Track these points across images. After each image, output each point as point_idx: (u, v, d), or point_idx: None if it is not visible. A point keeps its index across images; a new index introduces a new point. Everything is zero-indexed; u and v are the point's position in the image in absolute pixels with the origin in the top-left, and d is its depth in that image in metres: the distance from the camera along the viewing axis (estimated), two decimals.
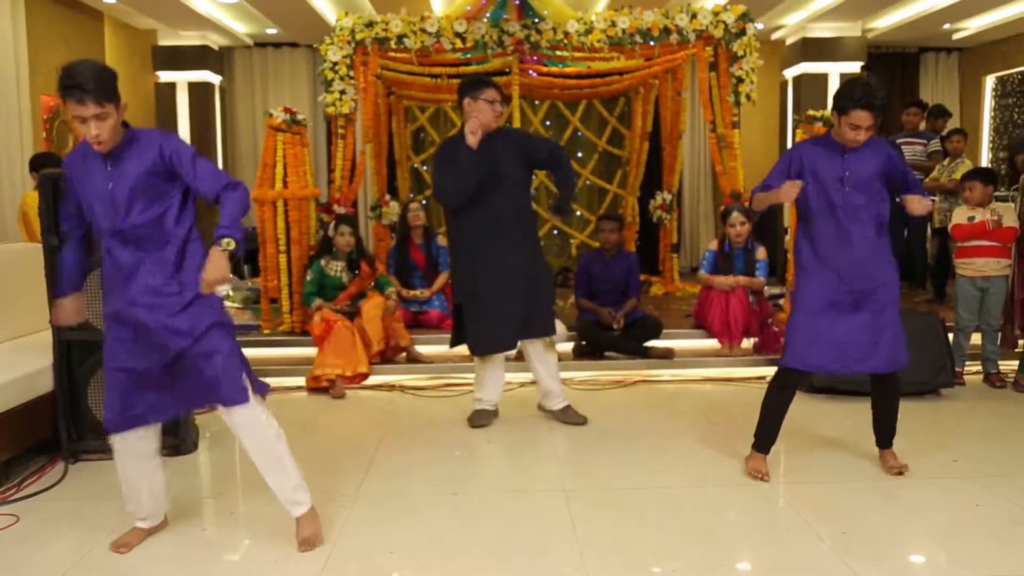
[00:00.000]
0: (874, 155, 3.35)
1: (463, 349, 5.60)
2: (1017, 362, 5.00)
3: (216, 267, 2.57)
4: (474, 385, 4.41)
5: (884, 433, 3.58)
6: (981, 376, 5.11)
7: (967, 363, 5.13)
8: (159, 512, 2.96)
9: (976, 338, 5.11)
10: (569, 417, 4.28)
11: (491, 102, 3.95)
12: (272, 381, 5.19)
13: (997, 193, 5.24)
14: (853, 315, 3.36)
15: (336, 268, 5.41)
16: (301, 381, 5.12)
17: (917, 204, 3.34)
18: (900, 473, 3.47)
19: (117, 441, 2.80)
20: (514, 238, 4.03)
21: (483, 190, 3.95)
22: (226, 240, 2.58)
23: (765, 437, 3.53)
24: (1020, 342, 5.05)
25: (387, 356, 5.36)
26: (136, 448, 2.81)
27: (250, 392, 2.75)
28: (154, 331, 2.66)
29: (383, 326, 5.25)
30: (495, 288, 4.01)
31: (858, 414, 4.25)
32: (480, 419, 4.29)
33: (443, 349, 5.68)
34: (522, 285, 4.04)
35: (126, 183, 2.62)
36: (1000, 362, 5.11)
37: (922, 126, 7.47)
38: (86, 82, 2.46)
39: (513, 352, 5.38)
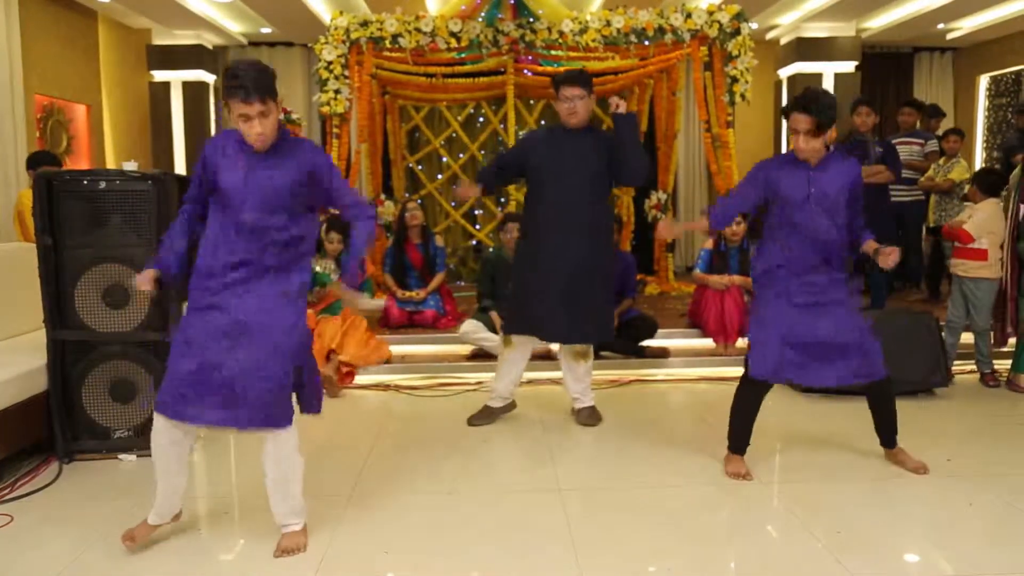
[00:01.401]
0: (842, 175, 3.31)
1: (456, 349, 5.66)
2: (1010, 361, 5.02)
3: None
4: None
5: (885, 433, 3.58)
6: (976, 376, 5.13)
7: (957, 362, 5.16)
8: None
9: (968, 337, 5.13)
10: (580, 417, 4.27)
11: (563, 100, 3.95)
12: None
13: None
14: (813, 326, 3.33)
15: (324, 266, 5.42)
16: None
17: (888, 259, 3.34)
18: (920, 472, 3.45)
19: None
20: (573, 234, 3.96)
21: (554, 179, 3.97)
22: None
23: (738, 439, 3.55)
24: (1011, 340, 5.07)
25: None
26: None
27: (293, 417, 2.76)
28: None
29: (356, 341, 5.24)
30: (543, 276, 4.01)
31: (852, 414, 4.26)
32: (479, 417, 4.29)
33: (438, 349, 5.71)
34: (566, 282, 3.97)
35: (270, 183, 2.70)
36: (994, 361, 5.13)
37: (917, 125, 7.49)
38: (251, 81, 2.58)
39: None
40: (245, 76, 2.58)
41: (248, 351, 2.64)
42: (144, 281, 2.77)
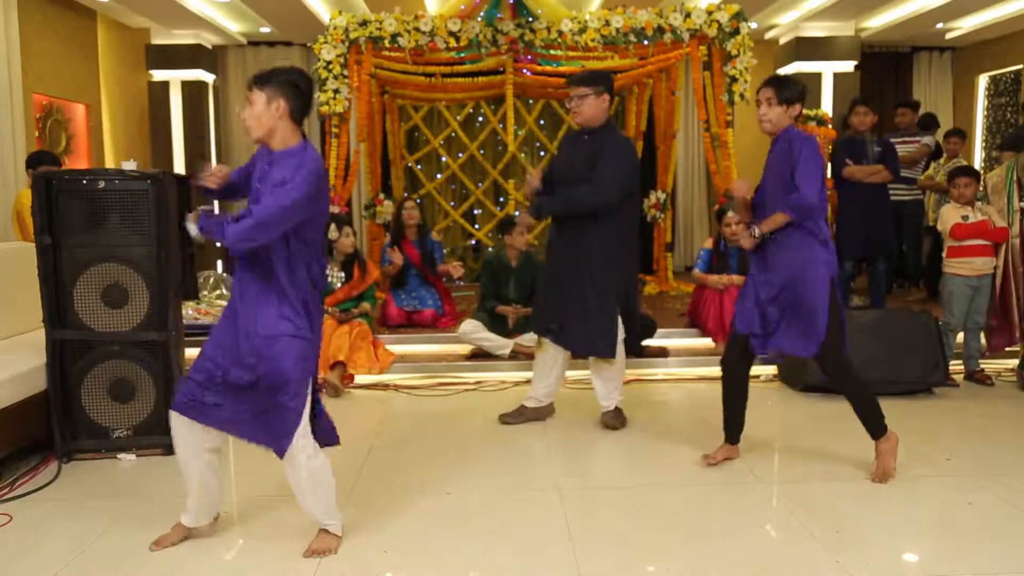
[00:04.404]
0: (785, 152, 3.38)
1: (456, 348, 5.66)
2: (1006, 361, 5.03)
3: None
4: None
5: (864, 425, 3.55)
6: (963, 375, 5.13)
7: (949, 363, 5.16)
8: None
9: (958, 337, 5.14)
10: (604, 419, 4.24)
11: (580, 97, 3.93)
12: None
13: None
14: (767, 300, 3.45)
15: (329, 274, 5.41)
16: None
17: (745, 235, 3.45)
18: (876, 481, 3.40)
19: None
20: (574, 237, 3.95)
21: (564, 182, 4.00)
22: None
23: (728, 425, 3.66)
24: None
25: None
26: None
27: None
28: None
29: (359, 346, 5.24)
30: (550, 276, 4.10)
31: (851, 414, 4.26)
32: (512, 416, 4.30)
33: (437, 349, 5.71)
34: (565, 286, 3.98)
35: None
36: (988, 361, 5.14)
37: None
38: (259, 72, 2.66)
39: (506, 350, 5.40)
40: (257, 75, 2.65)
41: None
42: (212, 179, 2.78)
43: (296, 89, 2.63)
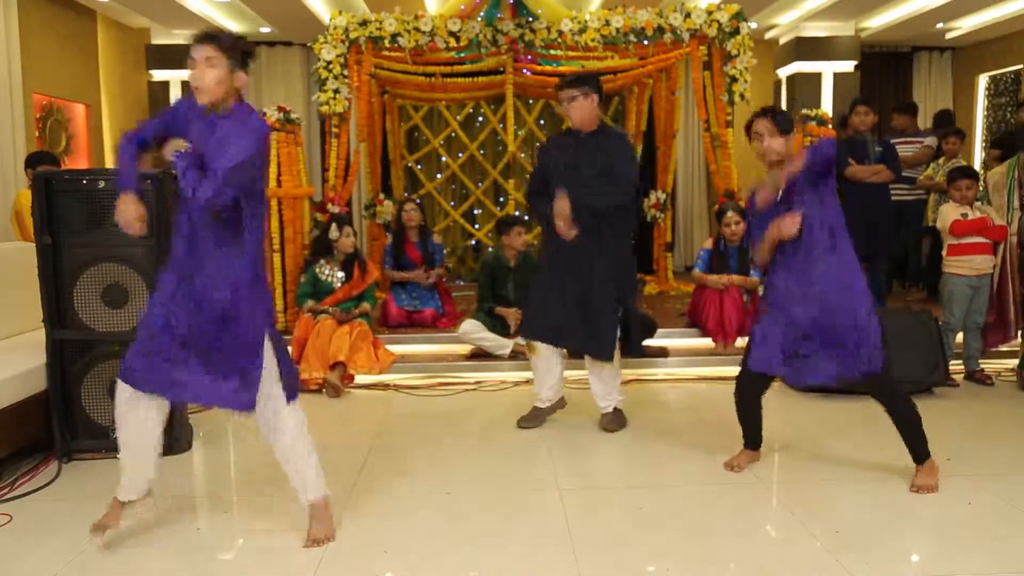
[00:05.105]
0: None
1: (456, 348, 5.66)
2: (1005, 361, 5.03)
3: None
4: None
5: (908, 447, 3.37)
6: (963, 375, 5.12)
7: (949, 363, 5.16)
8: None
9: (957, 336, 5.14)
10: (604, 422, 4.23)
11: (568, 100, 3.91)
12: None
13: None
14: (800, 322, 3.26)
15: (329, 274, 5.41)
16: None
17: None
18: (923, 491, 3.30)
19: None
20: (583, 240, 3.88)
21: (563, 184, 3.87)
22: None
23: (746, 434, 3.61)
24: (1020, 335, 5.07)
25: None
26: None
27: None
28: None
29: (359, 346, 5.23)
30: (556, 279, 4.00)
31: (851, 413, 4.27)
32: (528, 420, 4.26)
33: (437, 349, 5.71)
34: (576, 287, 3.95)
35: None
36: (988, 361, 5.14)
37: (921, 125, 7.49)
38: (209, 31, 2.65)
39: (506, 350, 5.41)
40: (203, 31, 2.64)
41: None
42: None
43: (247, 62, 2.67)
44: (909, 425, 3.33)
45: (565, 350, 4.23)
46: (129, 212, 2.65)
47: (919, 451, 3.33)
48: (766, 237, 3.29)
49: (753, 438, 3.60)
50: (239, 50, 2.64)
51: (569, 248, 3.91)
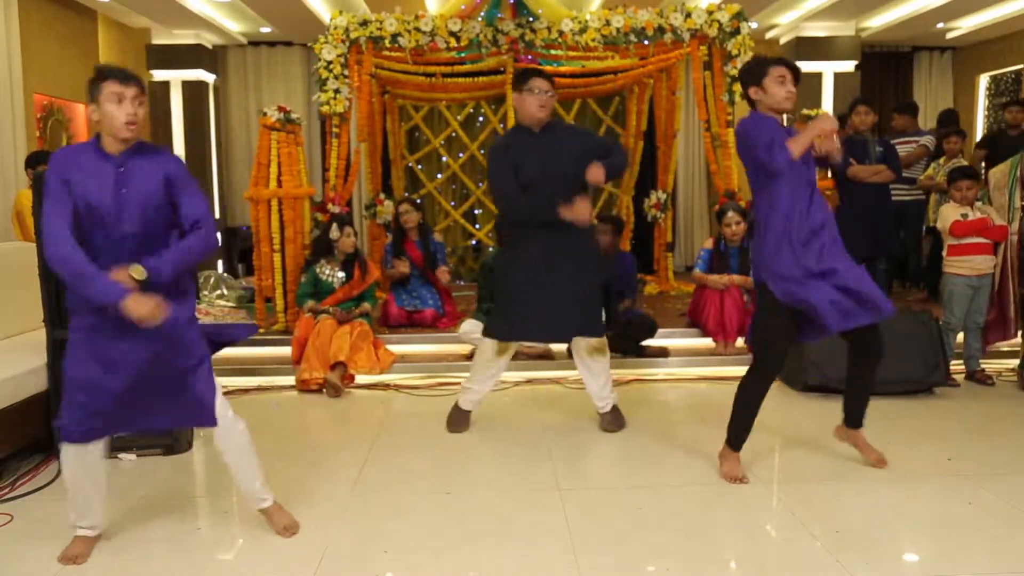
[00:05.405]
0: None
1: (456, 348, 5.66)
2: (1005, 361, 5.03)
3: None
4: (469, 374, 4.27)
5: (861, 412, 3.60)
6: (963, 375, 5.11)
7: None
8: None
9: (958, 336, 5.13)
10: (603, 423, 4.21)
11: (535, 92, 3.86)
12: (266, 380, 5.27)
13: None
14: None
15: (329, 274, 5.41)
16: (295, 380, 5.12)
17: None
18: (880, 466, 3.53)
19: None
20: (562, 233, 3.88)
21: (537, 181, 3.86)
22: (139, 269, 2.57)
23: (740, 434, 3.50)
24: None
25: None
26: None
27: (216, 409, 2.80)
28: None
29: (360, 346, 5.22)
30: (536, 276, 3.93)
31: None
32: (460, 423, 4.22)
33: (437, 349, 5.71)
34: (562, 284, 3.93)
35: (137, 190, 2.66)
36: (989, 361, 5.14)
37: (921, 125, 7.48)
38: (127, 72, 2.65)
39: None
40: (119, 68, 2.66)
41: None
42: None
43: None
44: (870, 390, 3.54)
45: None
46: (145, 309, 2.53)
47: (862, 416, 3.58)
48: (805, 133, 3.25)
49: (743, 439, 3.54)
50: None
51: (545, 240, 3.88)
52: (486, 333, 4.17)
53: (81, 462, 2.71)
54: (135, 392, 2.67)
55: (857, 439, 3.62)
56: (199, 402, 2.75)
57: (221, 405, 2.80)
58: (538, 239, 3.90)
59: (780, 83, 3.27)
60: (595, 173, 3.77)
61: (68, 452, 2.69)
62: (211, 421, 2.78)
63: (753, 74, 3.33)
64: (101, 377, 2.63)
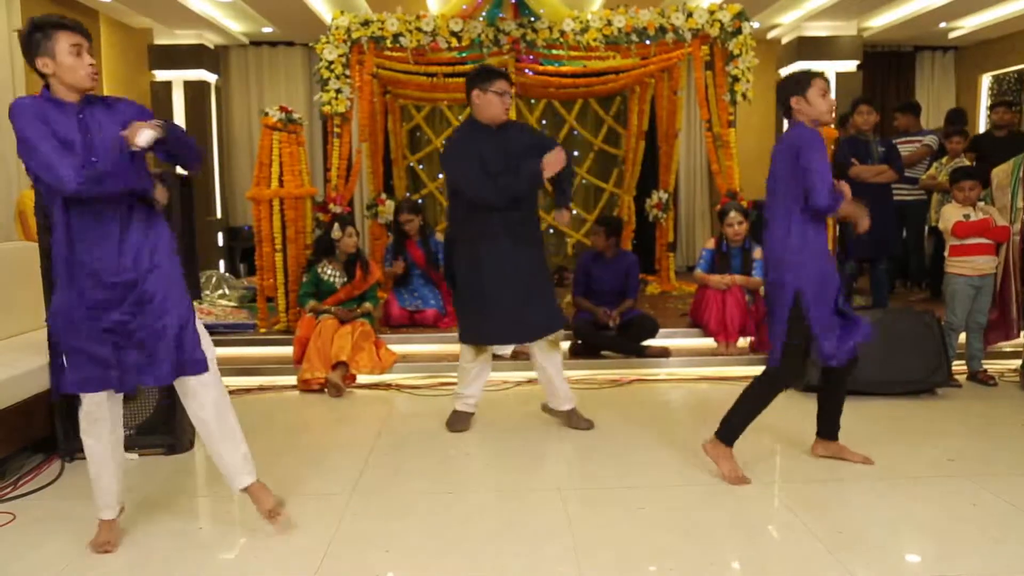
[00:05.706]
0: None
1: (457, 348, 5.64)
2: (1006, 361, 5.02)
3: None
4: (458, 381, 4.29)
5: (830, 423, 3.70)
6: (965, 375, 5.11)
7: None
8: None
9: (960, 337, 5.13)
10: (573, 422, 4.21)
11: (500, 94, 3.88)
12: (268, 380, 5.27)
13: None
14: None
15: (331, 274, 5.42)
16: (296, 380, 5.12)
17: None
18: (867, 463, 3.58)
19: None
20: (520, 232, 3.94)
21: (502, 174, 3.86)
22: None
23: (737, 431, 3.51)
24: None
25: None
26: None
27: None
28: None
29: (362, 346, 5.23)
30: (497, 281, 3.92)
31: (852, 413, 4.25)
32: (460, 423, 4.23)
33: (439, 349, 5.71)
34: (525, 280, 3.96)
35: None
36: (991, 361, 5.14)
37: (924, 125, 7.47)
38: (75, 22, 2.68)
39: (507, 351, 5.42)
40: (68, 18, 2.67)
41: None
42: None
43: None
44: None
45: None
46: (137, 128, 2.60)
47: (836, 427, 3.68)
48: (848, 205, 3.36)
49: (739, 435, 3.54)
50: None
51: (502, 230, 3.90)
52: (461, 338, 4.18)
53: (102, 427, 2.83)
54: (125, 351, 2.74)
55: (840, 449, 3.65)
56: (183, 349, 2.79)
57: (212, 360, 2.86)
58: (494, 230, 3.90)
59: (823, 96, 3.36)
60: (558, 156, 3.85)
61: (91, 414, 2.83)
62: (202, 363, 2.82)
63: (800, 83, 3.39)
64: (90, 323, 2.70)
